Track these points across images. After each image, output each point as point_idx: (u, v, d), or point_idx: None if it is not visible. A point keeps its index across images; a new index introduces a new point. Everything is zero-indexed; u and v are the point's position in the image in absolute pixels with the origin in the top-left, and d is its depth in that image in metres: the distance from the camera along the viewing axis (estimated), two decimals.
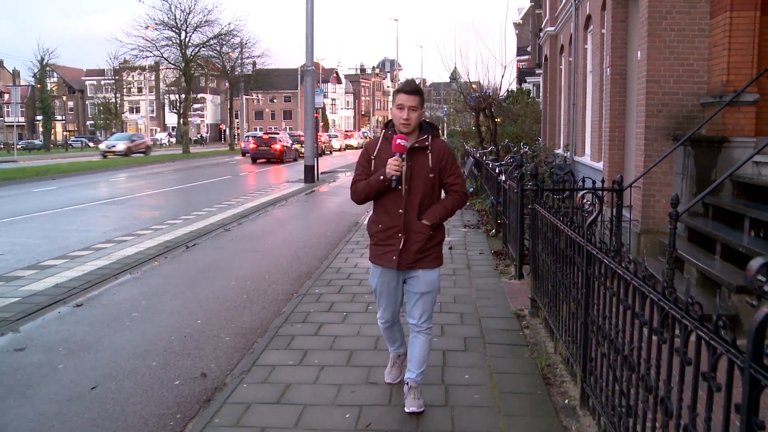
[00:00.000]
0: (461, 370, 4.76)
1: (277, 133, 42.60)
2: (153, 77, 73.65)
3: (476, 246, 9.82)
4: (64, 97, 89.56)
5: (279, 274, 8.44)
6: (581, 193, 4.22)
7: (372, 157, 4.02)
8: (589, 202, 4.07)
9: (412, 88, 3.93)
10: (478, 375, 4.68)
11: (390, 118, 4.05)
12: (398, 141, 3.84)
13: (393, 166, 3.81)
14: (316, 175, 23.73)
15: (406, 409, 4.01)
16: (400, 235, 3.92)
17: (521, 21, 56.43)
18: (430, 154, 3.94)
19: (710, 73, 8.26)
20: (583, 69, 15.27)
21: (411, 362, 4.13)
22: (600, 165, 11.94)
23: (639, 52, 8.95)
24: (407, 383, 4.13)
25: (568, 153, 16.61)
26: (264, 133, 42.60)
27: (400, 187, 3.90)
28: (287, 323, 5.98)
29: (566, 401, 4.28)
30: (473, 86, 22.96)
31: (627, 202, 9.48)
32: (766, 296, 1.93)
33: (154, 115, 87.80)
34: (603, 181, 7.22)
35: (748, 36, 7.60)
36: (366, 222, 4.20)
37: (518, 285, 7.27)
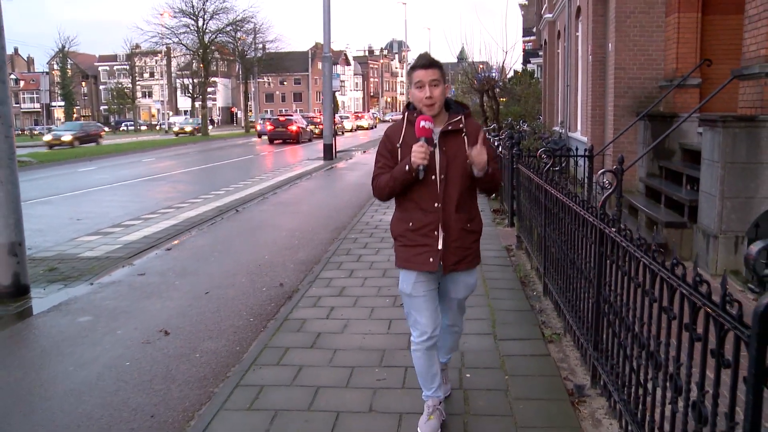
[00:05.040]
0: None
1: (292, 115, 44.65)
2: (165, 62, 75.64)
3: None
4: (83, 84, 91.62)
5: (319, 227, 10.52)
6: (539, 150, 6.19)
7: (397, 146, 3.41)
8: (546, 157, 6.02)
9: (428, 61, 3.36)
10: None
11: (410, 100, 3.49)
12: (422, 123, 3.25)
13: (419, 153, 3.21)
14: (334, 153, 25.81)
15: None
16: (436, 233, 3.36)
17: (527, 2, 57.63)
18: (466, 137, 3.38)
19: (665, 62, 10.22)
20: (575, 54, 17.15)
21: (440, 349, 3.80)
22: (586, 138, 13.90)
23: (609, 44, 10.93)
24: None
25: (563, 129, 18.58)
26: (280, 116, 44.61)
27: (434, 177, 3.34)
28: (335, 255, 8.06)
29: (534, 293, 6.33)
30: (481, 66, 24.83)
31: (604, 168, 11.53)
32: (606, 189, 3.93)
33: (166, 99, 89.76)
34: (576, 149, 9.25)
35: (692, 32, 9.53)
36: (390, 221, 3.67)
37: (509, 231, 9.30)
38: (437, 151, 3.34)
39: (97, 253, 8.93)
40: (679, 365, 2.64)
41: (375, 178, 3.48)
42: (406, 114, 3.47)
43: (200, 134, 54.41)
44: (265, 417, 3.81)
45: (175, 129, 59.92)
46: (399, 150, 3.41)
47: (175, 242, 9.63)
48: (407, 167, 3.27)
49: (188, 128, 57.86)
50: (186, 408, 4.17)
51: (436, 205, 3.36)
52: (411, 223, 3.42)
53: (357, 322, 5.53)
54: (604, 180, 4.08)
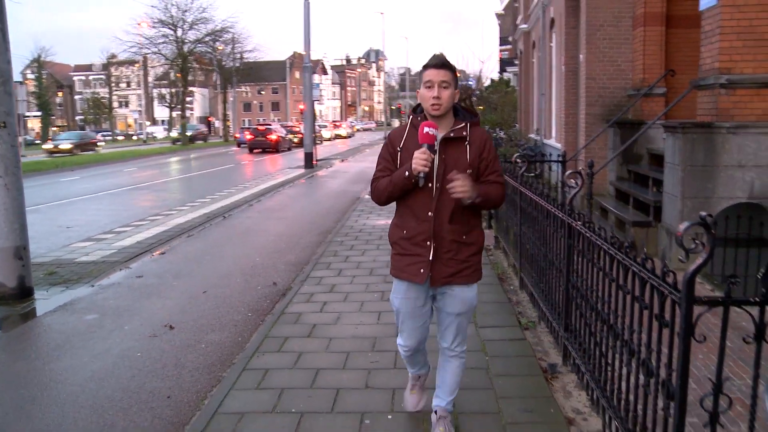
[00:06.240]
0: None
1: (271, 124, 45.01)
2: (142, 72, 75.55)
3: None
4: (59, 94, 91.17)
5: (305, 232, 10.96)
6: (515, 156, 6.71)
7: (398, 149, 3.35)
8: (521, 162, 6.53)
9: (440, 61, 3.27)
10: None
11: (418, 101, 3.41)
12: (426, 130, 3.16)
13: (420, 160, 3.13)
14: (314, 161, 26.26)
15: None
16: (428, 243, 3.28)
17: (503, 12, 58.40)
18: (468, 146, 3.28)
19: (633, 72, 10.83)
20: (549, 64, 17.80)
21: (441, 388, 3.64)
22: (560, 145, 14.50)
23: (581, 55, 11.52)
24: (435, 411, 3.63)
25: (539, 136, 19.20)
26: (259, 125, 44.94)
27: (430, 185, 3.25)
28: (323, 257, 8.51)
29: (511, 287, 6.83)
30: (458, 74, 25.48)
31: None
32: (574, 188, 4.44)
33: (143, 109, 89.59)
34: (550, 155, 9.78)
35: (657, 44, 10.14)
36: (389, 228, 3.59)
37: (488, 232, 9.80)
38: (436, 158, 3.24)
39: (93, 258, 9.29)
40: (632, 332, 3.13)
41: (374, 181, 3.41)
42: (411, 118, 3.39)
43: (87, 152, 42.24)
44: (273, 394, 4.26)
45: (48, 146, 43.05)
46: (399, 154, 3.34)
47: (168, 247, 10.02)
48: (407, 173, 3.19)
49: (64, 145, 41.32)
50: (199, 390, 4.60)
51: (429, 214, 3.27)
52: (405, 231, 3.35)
53: (349, 314, 5.99)
54: (572, 181, 4.61)
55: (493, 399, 4.09)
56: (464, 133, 3.29)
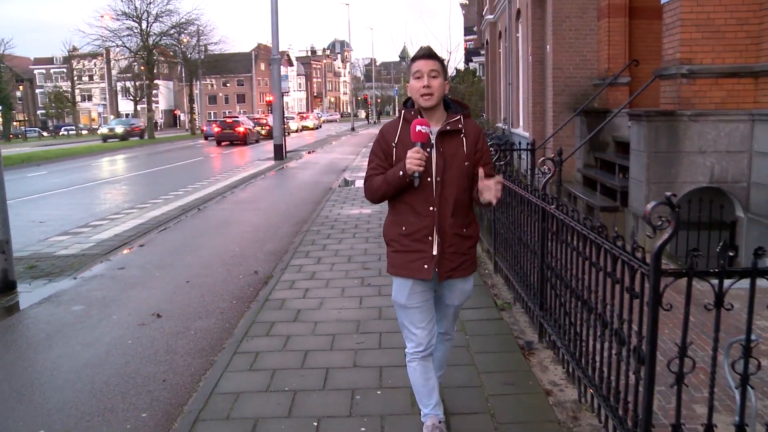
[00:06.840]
0: None
1: (238, 117, 44.86)
2: (104, 65, 74.44)
3: None
4: (20, 87, 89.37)
5: (281, 222, 11.14)
6: (488, 144, 6.98)
7: (393, 144, 3.25)
8: (494, 150, 6.81)
9: (428, 52, 3.22)
10: None
11: (408, 96, 3.34)
12: (418, 128, 3.08)
13: (414, 160, 3.04)
14: (284, 153, 26.35)
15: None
16: (430, 238, 3.20)
17: (467, 2, 58.73)
18: (464, 138, 3.22)
19: (598, 62, 11.17)
20: (516, 54, 18.12)
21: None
22: (528, 134, 14.84)
23: (548, 46, 11.84)
24: None
25: (507, 126, 19.55)
26: (227, 117, 44.72)
27: (429, 179, 3.17)
28: (301, 246, 8.70)
29: (486, 272, 7.11)
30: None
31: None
32: (547, 175, 4.70)
33: (107, 102, 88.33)
34: (519, 143, 10.06)
35: (621, 35, 10.49)
36: (383, 225, 3.45)
37: None
38: (434, 152, 3.17)
39: (73, 251, 9.36)
40: (605, 305, 3.40)
41: (367, 180, 3.30)
42: (403, 112, 3.30)
43: None
44: (266, 375, 4.46)
45: None
46: (395, 149, 3.23)
47: (147, 239, 10.12)
48: (401, 173, 3.09)
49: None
50: (192, 373, 4.79)
51: (431, 208, 3.18)
52: (404, 227, 3.23)
53: (331, 299, 6.21)
54: (545, 168, 4.90)
55: (475, 374, 4.35)
56: (459, 126, 3.21)
